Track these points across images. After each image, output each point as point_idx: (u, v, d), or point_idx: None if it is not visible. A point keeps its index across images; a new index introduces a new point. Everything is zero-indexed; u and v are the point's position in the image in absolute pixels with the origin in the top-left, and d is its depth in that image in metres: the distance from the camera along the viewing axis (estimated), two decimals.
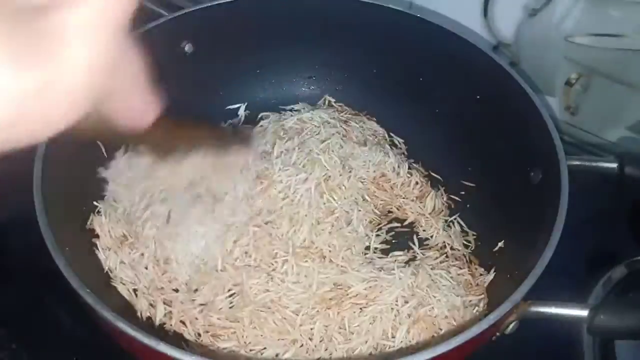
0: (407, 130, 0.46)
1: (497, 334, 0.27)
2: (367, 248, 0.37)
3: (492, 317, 0.24)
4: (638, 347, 0.41)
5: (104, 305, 0.26)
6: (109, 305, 0.27)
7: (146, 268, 0.35)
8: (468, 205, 0.41)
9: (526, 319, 0.26)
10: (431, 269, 0.34)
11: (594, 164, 0.33)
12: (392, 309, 0.31)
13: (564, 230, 0.29)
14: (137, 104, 0.23)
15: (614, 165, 0.31)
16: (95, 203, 0.37)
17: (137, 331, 0.25)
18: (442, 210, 0.40)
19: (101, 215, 0.37)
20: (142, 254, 0.36)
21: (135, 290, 0.35)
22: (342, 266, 0.34)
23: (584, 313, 0.24)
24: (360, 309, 0.32)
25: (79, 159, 0.36)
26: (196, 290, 0.35)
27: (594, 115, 0.56)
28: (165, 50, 0.39)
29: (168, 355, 0.24)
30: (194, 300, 0.34)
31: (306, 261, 0.34)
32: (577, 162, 0.32)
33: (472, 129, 0.39)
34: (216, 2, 0.41)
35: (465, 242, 0.39)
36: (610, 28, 0.51)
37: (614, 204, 0.36)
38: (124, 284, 0.34)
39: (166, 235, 0.35)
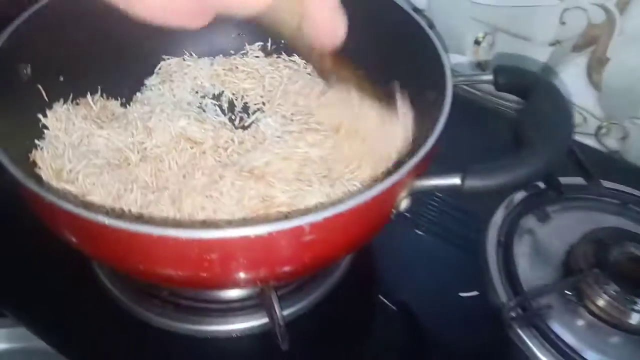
0: None
1: (394, 210, 0.31)
2: None
3: (377, 189, 0.28)
4: (534, 254, 0.47)
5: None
6: None
7: None
8: None
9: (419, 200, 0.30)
10: (346, 180, 0.38)
11: (474, 77, 0.38)
12: None
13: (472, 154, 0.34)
14: (329, 25, 0.28)
15: (490, 76, 0.36)
16: (36, 141, 0.40)
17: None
18: None
19: (43, 150, 0.39)
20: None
21: None
22: (270, 181, 0.38)
23: (457, 180, 0.29)
24: (285, 215, 0.36)
25: (21, 101, 0.39)
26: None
27: None
28: None
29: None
30: None
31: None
32: (462, 78, 0.37)
33: (388, 62, 0.44)
34: None
35: None
36: None
37: None
38: None
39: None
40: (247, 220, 0.35)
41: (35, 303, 0.42)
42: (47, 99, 0.42)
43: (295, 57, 0.50)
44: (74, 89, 0.44)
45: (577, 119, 0.60)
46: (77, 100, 0.44)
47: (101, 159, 0.41)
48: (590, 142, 0.61)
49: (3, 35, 0.37)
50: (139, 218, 0.35)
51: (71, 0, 0.41)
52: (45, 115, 0.41)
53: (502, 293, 0.42)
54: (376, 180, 0.37)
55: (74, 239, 0.30)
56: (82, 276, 0.43)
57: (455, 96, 0.35)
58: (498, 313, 0.41)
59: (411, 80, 0.38)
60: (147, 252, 0.28)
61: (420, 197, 0.37)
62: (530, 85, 0.33)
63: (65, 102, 0.43)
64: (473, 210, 0.50)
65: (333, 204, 0.27)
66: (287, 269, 0.30)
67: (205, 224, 0.34)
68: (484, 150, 0.44)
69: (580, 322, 0.42)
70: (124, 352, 0.40)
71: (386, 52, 0.42)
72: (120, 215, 0.35)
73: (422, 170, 0.31)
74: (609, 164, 0.59)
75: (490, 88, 0.38)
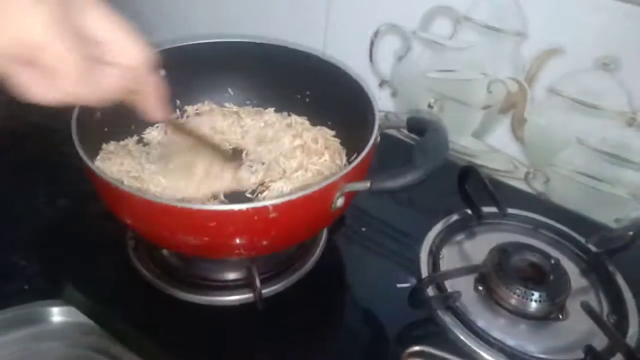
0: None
1: (332, 205, 0.47)
2: None
3: (317, 186, 0.44)
4: (458, 260, 0.61)
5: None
6: None
7: None
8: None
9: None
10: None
11: (394, 124, 0.56)
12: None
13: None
14: (152, 104, 0.36)
15: (404, 124, 0.54)
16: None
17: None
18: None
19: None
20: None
21: None
22: None
23: (367, 184, 0.45)
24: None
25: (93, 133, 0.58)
26: None
27: (450, 127, 0.78)
28: None
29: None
30: None
31: None
32: (388, 124, 0.54)
33: (346, 120, 0.62)
34: (175, 45, 0.65)
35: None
36: (447, 66, 0.75)
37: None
38: None
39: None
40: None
41: (82, 287, 0.57)
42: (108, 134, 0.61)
43: None
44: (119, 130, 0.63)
45: (508, 166, 0.76)
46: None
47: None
48: (522, 185, 0.77)
49: None
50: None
51: None
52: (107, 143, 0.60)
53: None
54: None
55: (127, 215, 0.47)
56: (119, 262, 0.59)
57: (383, 136, 0.53)
58: (419, 292, 0.55)
59: (363, 133, 0.54)
60: (172, 221, 0.44)
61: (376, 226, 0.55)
62: (426, 127, 0.50)
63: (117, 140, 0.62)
64: (413, 231, 0.65)
65: (289, 194, 0.43)
66: (261, 239, 0.47)
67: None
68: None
69: (489, 310, 0.56)
70: (151, 320, 0.55)
71: (348, 116, 0.61)
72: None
73: (352, 179, 0.48)
74: (537, 203, 0.74)
75: None
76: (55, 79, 0.28)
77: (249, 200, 0.57)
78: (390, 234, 0.65)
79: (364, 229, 0.65)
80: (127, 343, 0.55)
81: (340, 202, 0.47)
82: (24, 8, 0.25)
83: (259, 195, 0.58)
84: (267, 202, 0.43)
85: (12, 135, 0.76)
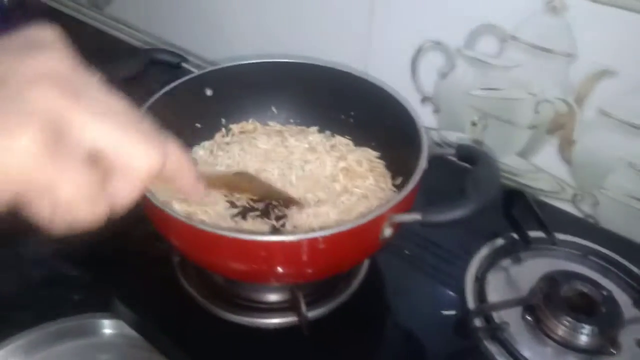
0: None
1: (380, 235, 0.47)
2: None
3: (367, 218, 0.44)
4: (504, 287, 0.60)
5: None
6: None
7: None
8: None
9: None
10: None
11: (443, 151, 0.55)
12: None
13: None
14: (188, 188, 0.30)
15: (454, 151, 0.53)
16: None
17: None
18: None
19: None
20: None
21: None
22: None
23: (419, 216, 0.45)
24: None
25: None
26: None
27: (493, 145, 0.78)
28: (194, 93, 0.63)
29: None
30: None
31: None
32: (436, 152, 0.54)
33: (391, 142, 0.62)
34: (222, 66, 0.66)
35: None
36: (492, 84, 0.74)
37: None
38: None
39: None
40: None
41: (130, 301, 0.59)
42: None
43: None
44: None
45: (555, 187, 0.75)
46: None
47: None
48: (568, 207, 0.75)
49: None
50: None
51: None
52: None
53: (472, 307, 0.56)
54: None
55: (175, 240, 0.48)
56: (166, 279, 0.60)
57: (437, 166, 0.52)
58: (467, 323, 0.54)
59: (408, 156, 0.54)
60: (221, 249, 0.45)
61: (419, 243, 0.54)
62: (477, 158, 0.50)
63: None
64: (459, 253, 0.64)
65: (338, 226, 0.43)
66: (308, 269, 0.47)
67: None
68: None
69: (537, 341, 0.55)
70: (195, 337, 0.56)
71: (393, 138, 0.60)
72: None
73: (401, 209, 0.47)
74: (584, 227, 0.72)
75: None
76: (61, 209, 0.24)
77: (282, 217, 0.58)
78: (433, 256, 0.65)
79: (407, 252, 0.64)
80: (172, 359, 0.56)
81: (388, 232, 0.47)
82: (2, 143, 0.21)
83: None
84: (317, 234, 0.43)
85: None
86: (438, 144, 0.76)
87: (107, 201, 0.25)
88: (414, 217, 0.44)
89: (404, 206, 0.48)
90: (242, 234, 0.43)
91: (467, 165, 0.50)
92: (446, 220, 0.43)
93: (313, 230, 0.54)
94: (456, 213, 0.43)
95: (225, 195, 0.58)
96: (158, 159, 0.26)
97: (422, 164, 0.49)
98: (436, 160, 0.52)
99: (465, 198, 0.43)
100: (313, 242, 0.43)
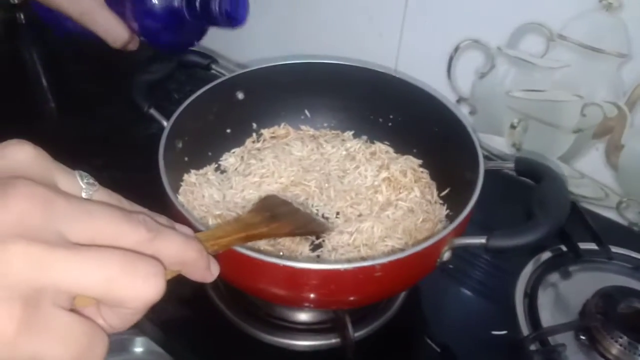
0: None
1: (438, 260, 0.44)
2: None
3: (427, 244, 0.41)
4: (555, 304, 0.57)
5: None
6: None
7: None
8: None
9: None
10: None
11: (501, 164, 0.51)
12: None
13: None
14: (200, 274, 0.28)
15: (512, 165, 0.49)
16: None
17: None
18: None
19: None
20: None
21: None
22: None
23: (483, 240, 0.41)
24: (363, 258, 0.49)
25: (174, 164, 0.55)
26: None
27: (533, 149, 0.74)
28: (225, 96, 0.59)
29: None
30: None
31: None
32: (491, 164, 0.50)
33: (435, 150, 0.58)
34: (254, 68, 0.62)
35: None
36: (536, 85, 0.70)
37: None
38: None
39: None
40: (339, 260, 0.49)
41: (159, 321, 0.55)
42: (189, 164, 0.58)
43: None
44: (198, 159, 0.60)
45: (599, 193, 0.71)
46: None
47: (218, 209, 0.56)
48: (612, 214, 0.71)
49: (170, 122, 0.53)
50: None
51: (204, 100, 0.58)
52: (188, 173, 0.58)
53: (525, 331, 0.53)
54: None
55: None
56: (198, 298, 0.57)
57: (486, 175, 0.48)
58: (521, 347, 0.51)
59: (456, 166, 0.51)
60: (269, 276, 0.42)
61: (461, 255, 0.50)
62: (541, 174, 0.46)
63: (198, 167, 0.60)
64: (504, 267, 0.61)
65: (396, 252, 0.40)
66: (361, 295, 0.43)
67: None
68: (505, 215, 0.56)
69: None
70: (228, 359, 0.53)
71: (438, 145, 0.56)
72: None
73: (460, 232, 0.44)
74: (629, 235, 0.69)
75: None
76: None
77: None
78: (478, 269, 0.61)
79: (451, 265, 0.61)
80: None
81: (447, 255, 0.44)
82: None
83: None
84: (375, 262, 0.40)
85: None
86: None
87: (103, 337, 0.23)
88: (479, 241, 0.41)
89: (462, 227, 0.44)
90: (294, 262, 0.39)
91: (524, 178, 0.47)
92: (513, 245, 0.40)
93: (356, 247, 0.51)
94: (525, 238, 0.39)
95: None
96: (155, 290, 0.23)
97: (479, 180, 0.46)
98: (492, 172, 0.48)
99: (534, 221, 0.40)
100: (369, 270, 0.40)
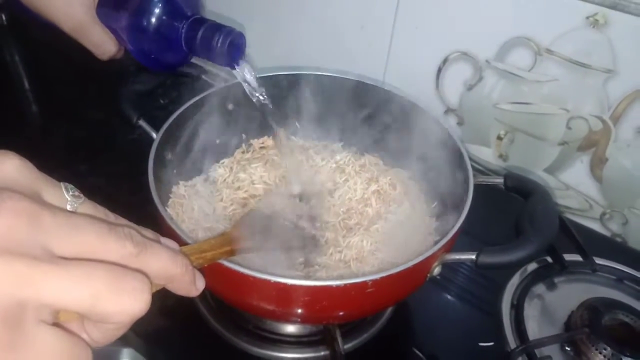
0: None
1: (428, 274, 0.44)
2: None
3: (418, 259, 0.41)
4: (541, 316, 0.58)
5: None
6: None
7: None
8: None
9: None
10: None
11: (489, 180, 0.51)
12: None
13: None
14: (185, 288, 0.29)
15: (501, 180, 0.50)
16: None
17: None
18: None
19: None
20: None
21: None
22: None
23: (473, 256, 0.42)
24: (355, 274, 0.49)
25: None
26: None
27: (519, 161, 0.75)
28: (216, 107, 0.59)
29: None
30: None
31: None
32: (481, 179, 0.50)
33: (424, 162, 0.59)
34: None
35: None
36: (523, 98, 0.71)
37: None
38: None
39: None
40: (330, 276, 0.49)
41: (148, 335, 0.55)
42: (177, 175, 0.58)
43: None
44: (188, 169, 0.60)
45: (584, 205, 0.72)
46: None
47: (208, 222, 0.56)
48: (596, 225, 0.73)
49: (159, 134, 0.53)
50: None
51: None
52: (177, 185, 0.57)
53: (512, 343, 0.54)
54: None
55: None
56: (186, 311, 0.56)
57: (475, 188, 0.49)
58: (508, 359, 0.52)
59: (445, 179, 0.51)
60: (260, 292, 0.41)
61: (449, 264, 0.51)
62: (530, 190, 0.47)
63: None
64: (491, 277, 0.62)
65: (386, 267, 0.40)
66: (352, 310, 0.43)
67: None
68: (494, 230, 0.56)
69: None
70: None
71: (427, 158, 0.57)
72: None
73: (450, 247, 0.44)
74: (612, 246, 0.70)
75: None
76: None
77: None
78: (467, 281, 0.62)
79: (438, 277, 0.61)
80: None
81: (437, 270, 0.44)
82: None
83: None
84: (366, 278, 0.40)
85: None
86: None
87: (87, 352, 0.23)
88: (468, 257, 0.41)
89: (452, 242, 0.45)
90: (286, 278, 0.39)
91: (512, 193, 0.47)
92: (503, 262, 0.40)
93: (346, 263, 0.51)
94: (515, 255, 0.40)
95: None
96: (141, 305, 0.22)
97: (469, 196, 0.46)
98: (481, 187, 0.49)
99: (524, 238, 0.40)
100: (361, 285, 0.40)
